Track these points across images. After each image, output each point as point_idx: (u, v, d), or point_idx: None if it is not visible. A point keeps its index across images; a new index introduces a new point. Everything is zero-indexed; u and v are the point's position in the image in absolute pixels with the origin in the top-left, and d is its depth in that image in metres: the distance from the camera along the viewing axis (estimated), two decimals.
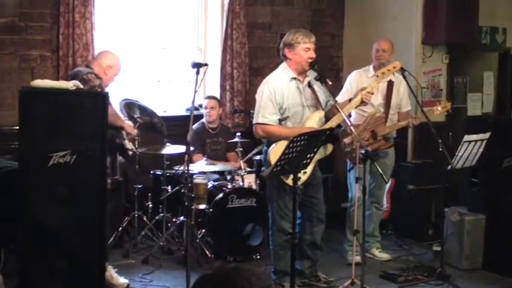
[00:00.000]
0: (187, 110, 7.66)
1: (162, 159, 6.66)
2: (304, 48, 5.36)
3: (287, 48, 5.44)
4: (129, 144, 6.12)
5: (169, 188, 6.60)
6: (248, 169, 6.83)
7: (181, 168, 6.06)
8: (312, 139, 4.75)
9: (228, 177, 6.80)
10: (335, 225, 6.91)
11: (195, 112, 6.09)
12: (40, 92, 4.96)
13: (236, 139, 6.89)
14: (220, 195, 6.37)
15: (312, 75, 5.48)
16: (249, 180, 6.68)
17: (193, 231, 6.20)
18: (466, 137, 5.86)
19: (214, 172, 6.89)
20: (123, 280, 5.62)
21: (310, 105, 5.48)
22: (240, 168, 6.75)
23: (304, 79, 5.49)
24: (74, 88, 5.00)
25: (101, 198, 4.97)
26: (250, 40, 8.07)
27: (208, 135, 7.29)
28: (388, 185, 6.87)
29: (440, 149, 5.67)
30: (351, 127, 5.39)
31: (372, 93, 5.51)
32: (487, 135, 5.98)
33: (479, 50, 8.36)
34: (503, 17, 8.49)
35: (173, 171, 6.65)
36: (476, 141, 5.90)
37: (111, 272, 5.53)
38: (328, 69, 8.33)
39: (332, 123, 5.37)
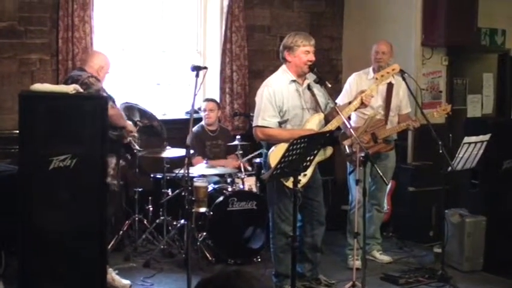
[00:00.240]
0: (187, 113, 7.65)
1: (162, 163, 6.66)
2: (303, 51, 5.37)
3: (286, 51, 5.44)
4: (133, 143, 6.15)
5: (169, 191, 6.59)
6: (249, 169, 6.83)
7: (182, 171, 6.07)
8: (312, 142, 4.74)
9: (229, 180, 6.79)
10: (335, 227, 6.94)
11: (195, 115, 6.09)
12: (40, 96, 4.97)
13: (236, 142, 6.89)
14: (221, 198, 6.36)
15: (311, 78, 5.48)
16: (250, 183, 6.67)
17: (193, 234, 6.19)
18: (466, 139, 5.87)
19: (215, 175, 6.88)
20: (125, 281, 5.62)
21: (309, 107, 5.48)
22: (239, 169, 6.75)
23: (303, 82, 5.49)
24: (73, 92, 5.01)
25: (101, 202, 4.97)
26: (249, 43, 8.07)
27: (208, 137, 7.29)
28: (388, 187, 6.87)
29: (441, 151, 5.67)
30: (351, 129, 5.39)
31: (372, 96, 5.51)
32: (487, 136, 5.99)
33: (478, 51, 8.37)
34: (503, 19, 8.50)
35: (173, 175, 6.64)
36: (476, 142, 5.90)
37: (112, 275, 5.53)
38: (328, 72, 8.33)
39: (332, 126, 5.37)
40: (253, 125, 5.49)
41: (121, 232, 6.54)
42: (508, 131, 6.47)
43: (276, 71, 5.60)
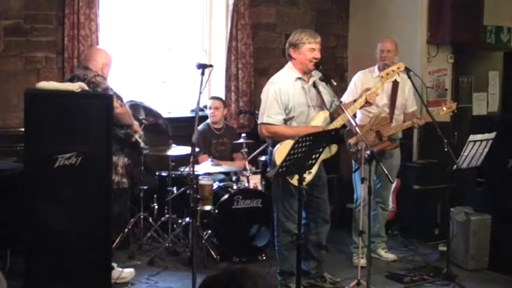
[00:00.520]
0: (192, 111, 7.66)
1: (167, 161, 6.67)
2: (309, 48, 5.36)
3: (292, 48, 5.44)
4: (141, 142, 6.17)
5: (174, 189, 6.60)
6: (253, 169, 6.83)
7: (187, 169, 6.07)
8: (317, 139, 4.74)
9: (234, 178, 6.79)
10: (341, 225, 6.94)
11: (200, 113, 6.08)
12: (45, 94, 4.98)
13: (241, 140, 6.89)
14: (226, 196, 6.36)
15: (317, 75, 5.48)
16: (255, 181, 6.67)
17: (198, 232, 6.19)
18: (472, 137, 5.85)
19: (220, 173, 6.89)
20: (128, 270, 5.70)
21: (315, 105, 5.47)
22: (245, 168, 6.75)
23: (309, 79, 5.48)
24: (79, 90, 5.01)
25: (106, 200, 4.98)
26: (255, 41, 8.07)
27: (214, 135, 7.30)
28: (393, 185, 6.86)
29: (446, 149, 5.66)
30: (356, 127, 5.39)
31: (377, 94, 5.51)
32: (492, 134, 5.97)
33: (484, 49, 8.34)
34: (508, 16, 8.47)
35: (178, 173, 6.65)
36: (481, 141, 5.88)
37: (116, 270, 5.55)
38: (333, 70, 8.32)
39: (337, 124, 5.37)
40: (259, 122, 5.49)
41: (126, 230, 6.55)
42: None
43: (282, 68, 5.60)
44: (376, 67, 6.49)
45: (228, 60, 7.90)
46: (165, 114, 7.09)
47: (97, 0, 6.93)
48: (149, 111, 6.68)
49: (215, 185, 6.54)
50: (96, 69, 5.65)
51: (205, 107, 7.47)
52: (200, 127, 7.14)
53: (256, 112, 6.10)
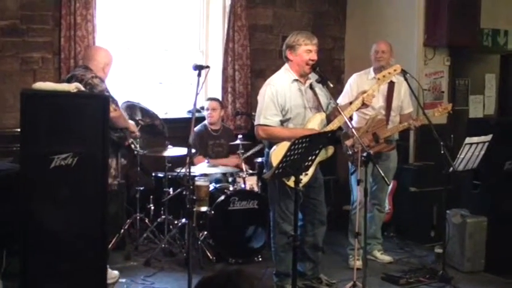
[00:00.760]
0: (189, 112, 7.66)
1: (163, 162, 6.66)
2: (305, 50, 5.37)
3: (289, 50, 5.45)
4: (133, 144, 6.17)
5: (171, 190, 6.60)
6: (250, 171, 6.83)
7: (183, 170, 6.07)
8: (313, 141, 4.74)
9: (230, 179, 6.80)
10: (337, 227, 6.94)
11: (197, 114, 6.09)
12: (42, 94, 4.96)
13: (238, 141, 6.89)
14: (222, 197, 6.36)
15: (313, 77, 5.48)
16: (251, 183, 6.67)
17: (194, 233, 6.19)
18: (468, 139, 5.86)
19: (216, 174, 6.88)
20: (115, 272, 5.69)
21: (312, 107, 5.48)
22: (240, 168, 6.75)
23: (305, 81, 5.49)
24: (75, 90, 5.01)
25: (102, 201, 4.97)
26: (251, 42, 8.07)
27: (211, 137, 7.30)
28: (390, 187, 6.87)
29: (442, 151, 5.67)
30: (353, 129, 5.39)
31: (373, 96, 5.51)
32: (488, 137, 5.98)
33: (481, 52, 8.36)
34: (505, 19, 8.49)
35: (175, 174, 6.65)
36: (478, 143, 5.89)
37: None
38: (330, 72, 8.32)
39: (333, 126, 5.37)
40: (255, 123, 5.49)
41: (122, 231, 6.54)
42: (509, 132, 6.46)
43: (278, 70, 5.60)
44: (371, 69, 6.49)
45: (224, 62, 7.90)
46: (161, 115, 7.08)
47: (94, 1, 6.92)
48: (146, 112, 6.68)
49: (211, 186, 6.55)
50: (97, 68, 5.66)
51: (202, 108, 7.47)
52: (197, 128, 7.15)
53: (253, 113, 6.10)
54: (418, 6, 7.74)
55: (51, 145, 4.76)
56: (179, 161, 6.50)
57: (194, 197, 6.05)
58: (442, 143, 5.67)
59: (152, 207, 6.81)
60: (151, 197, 6.81)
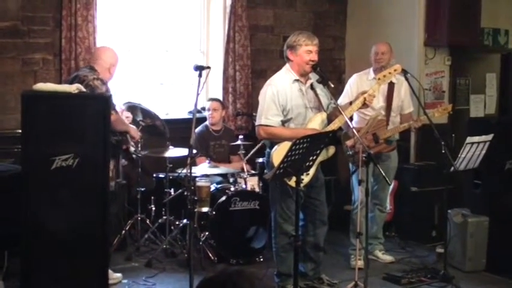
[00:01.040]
0: (190, 112, 7.65)
1: (164, 162, 6.66)
2: (305, 50, 5.37)
3: (289, 50, 5.45)
4: (132, 148, 6.16)
5: (172, 191, 6.60)
6: (251, 171, 6.83)
7: (184, 171, 6.07)
8: (314, 141, 4.74)
9: (231, 180, 6.79)
10: (338, 227, 6.93)
11: (198, 115, 6.09)
12: (42, 96, 4.97)
13: (239, 142, 6.89)
14: (223, 198, 6.36)
15: (314, 77, 5.48)
16: (252, 183, 6.67)
17: (196, 234, 6.19)
18: (469, 139, 5.86)
19: (217, 175, 6.88)
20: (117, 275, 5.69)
21: (312, 107, 5.48)
22: (242, 169, 6.75)
23: (306, 81, 5.49)
24: (76, 91, 5.01)
25: (103, 202, 4.97)
26: (252, 42, 8.07)
27: (212, 137, 7.29)
28: (391, 187, 6.87)
29: (443, 151, 5.67)
30: (353, 129, 5.39)
31: (374, 96, 5.51)
32: (489, 136, 5.98)
33: (481, 51, 8.36)
34: (506, 19, 8.49)
35: (176, 174, 6.65)
36: (479, 142, 5.89)
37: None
38: (330, 72, 8.32)
39: (334, 126, 5.37)
40: (256, 123, 5.50)
41: (123, 232, 6.55)
42: (510, 131, 6.46)
43: (279, 70, 5.61)
44: (371, 69, 6.49)
45: (225, 62, 7.90)
46: (162, 116, 7.08)
47: (94, 2, 6.92)
48: (147, 113, 6.68)
49: (212, 187, 6.55)
50: (103, 69, 5.68)
51: (203, 108, 7.47)
52: (198, 129, 7.15)
53: (254, 114, 6.10)
54: (418, 5, 7.73)
55: (52, 146, 4.77)
56: (180, 161, 6.50)
57: (195, 198, 6.06)
58: (443, 142, 5.67)
59: (153, 208, 6.80)
60: (152, 197, 6.81)
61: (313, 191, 5.58)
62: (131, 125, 6.18)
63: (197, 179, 6.32)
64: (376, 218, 6.55)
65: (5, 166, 5.90)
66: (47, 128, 4.78)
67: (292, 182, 4.97)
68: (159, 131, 6.75)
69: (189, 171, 5.20)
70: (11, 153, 6.29)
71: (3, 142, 6.49)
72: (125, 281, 5.78)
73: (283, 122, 5.40)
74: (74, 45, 6.86)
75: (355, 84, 6.46)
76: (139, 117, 6.65)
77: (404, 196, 7.26)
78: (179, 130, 6.90)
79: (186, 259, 6.09)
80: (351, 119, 5.82)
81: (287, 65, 5.52)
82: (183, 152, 6.37)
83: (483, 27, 8.08)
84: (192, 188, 5.86)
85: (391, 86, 6.31)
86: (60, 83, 6.54)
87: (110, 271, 5.51)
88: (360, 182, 5.62)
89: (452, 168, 5.78)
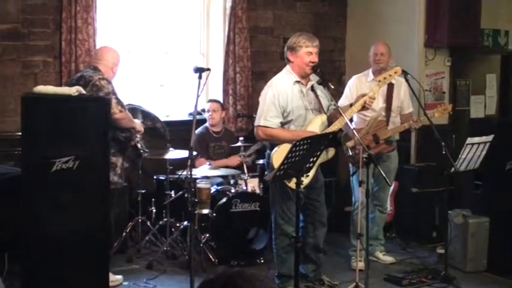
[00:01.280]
0: (190, 114, 7.65)
1: (165, 164, 6.66)
2: (306, 52, 5.37)
3: (290, 52, 5.46)
4: (139, 144, 6.18)
5: (172, 192, 6.60)
6: (248, 161, 6.84)
7: (185, 173, 6.07)
8: (314, 143, 4.75)
9: (232, 182, 6.79)
10: (339, 228, 6.93)
11: (198, 117, 6.09)
12: (43, 98, 4.98)
13: (239, 143, 6.89)
14: (224, 199, 6.36)
15: (315, 79, 5.48)
16: (253, 185, 6.67)
17: (196, 235, 6.19)
18: (469, 140, 5.86)
19: (218, 176, 6.88)
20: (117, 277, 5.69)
21: (313, 108, 5.48)
22: (242, 167, 6.75)
23: (307, 83, 5.49)
24: (76, 94, 5.02)
25: (104, 204, 4.98)
26: (252, 44, 8.07)
27: (212, 139, 7.30)
28: (391, 188, 6.86)
29: (444, 152, 5.67)
30: (354, 131, 5.39)
31: (374, 99, 5.51)
32: (490, 137, 5.98)
33: (481, 52, 8.36)
34: (506, 20, 8.48)
35: (176, 176, 6.65)
36: (479, 143, 5.89)
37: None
38: (331, 73, 8.31)
39: (334, 127, 5.38)
40: (256, 124, 5.50)
41: (124, 234, 6.54)
42: (511, 132, 6.46)
43: (279, 72, 5.61)
44: (370, 71, 6.48)
45: (225, 64, 7.90)
46: (162, 118, 7.09)
47: (94, 4, 6.93)
48: (147, 115, 6.69)
49: (213, 189, 6.55)
50: (106, 68, 5.71)
51: (203, 110, 7.47)
52: (198, 130, 7.15)
53: (254, 115, 6.09)
54: (418, 6, 7.73)
55: (53, 149, 4.77)
56: (181, 163, 6.50)
57: (196, 200, 6.06)
58: (443, 143, 5.67)
59: (154, 210, 6.81)
60: (153, 199, 6.81)
61: (313, 192, 5.58)
62: (136, 120, 6.18)
63: (197, 180, 6.32)
64: (377, 219, 6.55)
65: (5, 169, 5.91)
66: (47, 131, 4.79)
67: (292, 184, 4.97)
68: (159, 133, 6.76)
69: (189, 173, 5.19)
70: (11, 155, 6.30)
71: (3, 144, 6.49)
72: (126, 283, 5.78)
73: (283, 124, 5.40)
74: (74, 48, 6.87)
75: (355, 86, 6.46)
76: (140, 119, 6.64)
77: (405, 197, 7.26)
78: (179, 132, 6.91)
79: (187, 261, 6.08)
80: (351, 120, 5.82)
81: (288, 67, 5.53)
82: (183, 154, 6.37)
83: (483, 28, 8.07)
84: (193, 189, 5.86)
85: (390, 86, 6.30)
86: (60, 85, 6.55)
87: (110, 273, 5.50)
88: (360, 183, 5.62)
89: (452, 169, 5.78)
